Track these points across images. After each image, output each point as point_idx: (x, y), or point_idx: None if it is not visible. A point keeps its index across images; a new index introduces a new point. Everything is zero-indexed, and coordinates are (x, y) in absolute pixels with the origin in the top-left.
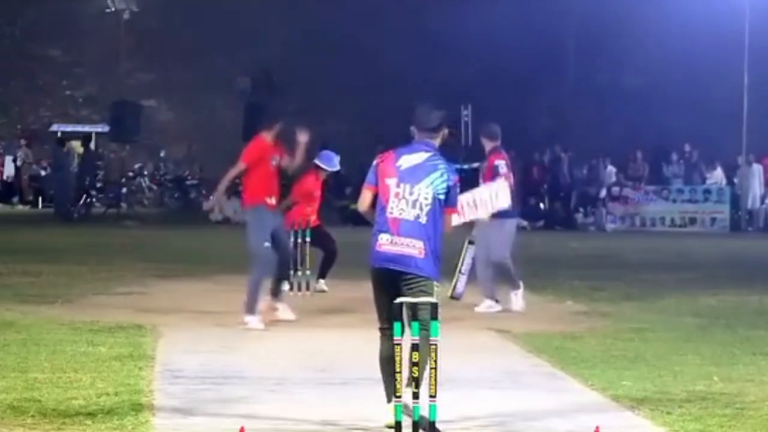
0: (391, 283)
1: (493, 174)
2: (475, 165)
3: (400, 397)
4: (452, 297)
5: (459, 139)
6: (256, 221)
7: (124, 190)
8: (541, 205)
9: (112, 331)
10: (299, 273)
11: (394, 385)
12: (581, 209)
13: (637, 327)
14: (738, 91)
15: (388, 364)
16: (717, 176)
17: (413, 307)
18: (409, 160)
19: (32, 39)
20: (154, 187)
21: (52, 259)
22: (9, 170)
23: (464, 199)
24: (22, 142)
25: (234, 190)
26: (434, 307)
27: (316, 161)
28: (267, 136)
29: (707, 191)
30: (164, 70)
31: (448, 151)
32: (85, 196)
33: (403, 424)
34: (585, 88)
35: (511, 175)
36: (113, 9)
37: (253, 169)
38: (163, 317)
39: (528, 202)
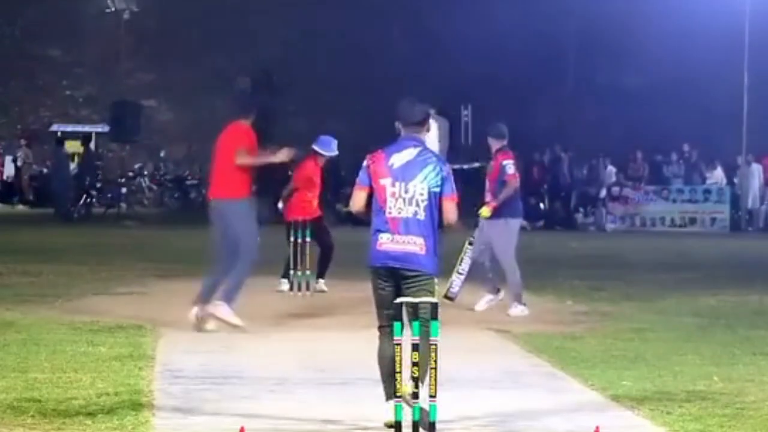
0: (393, 281)
1: (500, 173)
2: (476, 165)
3: (400, 396)
4: (446, 297)
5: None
6: (249, 214)
7: (124, 190)
8: (541, 205)
9: (112, 331)
10: (299, 273)
11: (394, 385)
12: (581, 209)
13: (637, 327)
14: (738, 91)
15: (388, 362)
16: (717, 176)
17: (414, 307)
18: (400, 158)
19: (32, 39)
20: (154, 187)
21: (52, 259)
22: (9, 170)
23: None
24: (22, 142)
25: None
26: (434, 306)
27: (314, 146)
28: (246, 124)
29: (707, 191)
30: (164, 70)
31: (450, 152)
32: (85, 196)
33: (403, 424)
34: (585, 88)
35: (518, 174)
36: (113, 9)
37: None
38: (163, 317)
39: (528, 202)
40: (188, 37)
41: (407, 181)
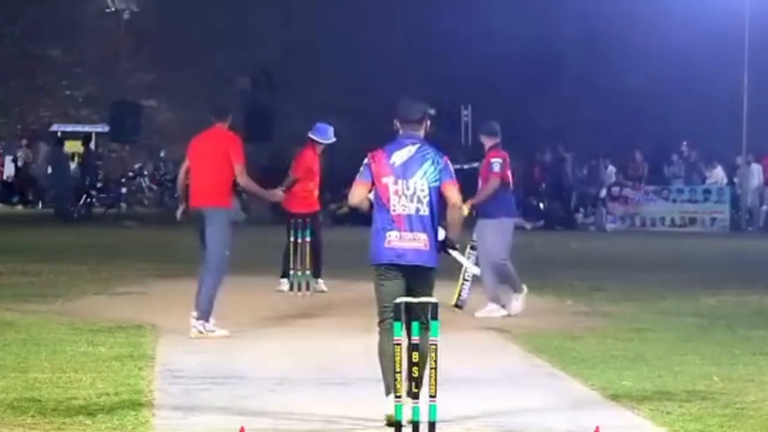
0: (399, 277)
1: (488, 171)
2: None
3: (400, 397)
4: (456, 305)
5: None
6: (227, 224)
7: (124, 190)
8: (541, 205)
9: (112, 331)
10: (299, 273)
11: (394, 384)
12: (581, 209)
13: (637, 327)
14: (738, 91)
15: (388, 357)
16: (717, 175)
17: (415, 307)
18: (400, 155)
19: (32, 39)
20: (154, 187)
21: (52, 259)
22: (9, 170)
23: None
24: (23, 142)
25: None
26: (434, 306)
27: (311, 135)
28: (225, 128)
29: (707, 191)
30: (164, 70)
31: (447, 150)
32: (85, 196)
33: (403, 424)
34: (585, 88)
35: (509, 173)
36: (113, 9)
37: (229, 166)
38: (163, 317)
39: (528, 202)
40: (188, 37)
41: (408, 178)
